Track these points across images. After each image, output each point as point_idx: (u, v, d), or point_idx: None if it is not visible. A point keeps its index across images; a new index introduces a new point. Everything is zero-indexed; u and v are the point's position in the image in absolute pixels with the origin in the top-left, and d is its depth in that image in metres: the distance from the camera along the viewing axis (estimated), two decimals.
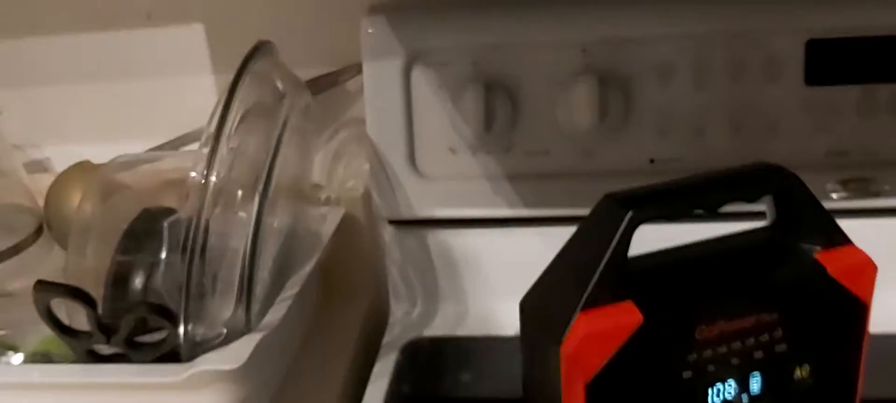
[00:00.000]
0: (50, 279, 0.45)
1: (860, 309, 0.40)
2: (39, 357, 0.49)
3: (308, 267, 0.57)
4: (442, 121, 0.59)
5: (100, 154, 0.62)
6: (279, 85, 0.53)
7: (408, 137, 0.60)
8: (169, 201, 0.54)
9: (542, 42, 0.57)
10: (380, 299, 0.68)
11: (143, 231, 0.51)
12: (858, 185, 0.58)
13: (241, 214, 0.48)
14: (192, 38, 0.66)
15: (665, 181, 0.38)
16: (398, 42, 0.58)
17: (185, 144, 0.65)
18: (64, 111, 0.69)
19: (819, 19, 0.55)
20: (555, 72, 0.58)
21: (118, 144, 0.62)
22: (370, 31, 0.58)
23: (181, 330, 0.45)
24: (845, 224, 0.57)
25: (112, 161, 0.60)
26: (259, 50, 0.51)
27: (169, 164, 0.62)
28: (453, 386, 0.56)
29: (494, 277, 0.63)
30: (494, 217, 0.61)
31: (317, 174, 0.68)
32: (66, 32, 0.66)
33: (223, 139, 0.46)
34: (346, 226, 0.67)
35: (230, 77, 0.51)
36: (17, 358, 0.49)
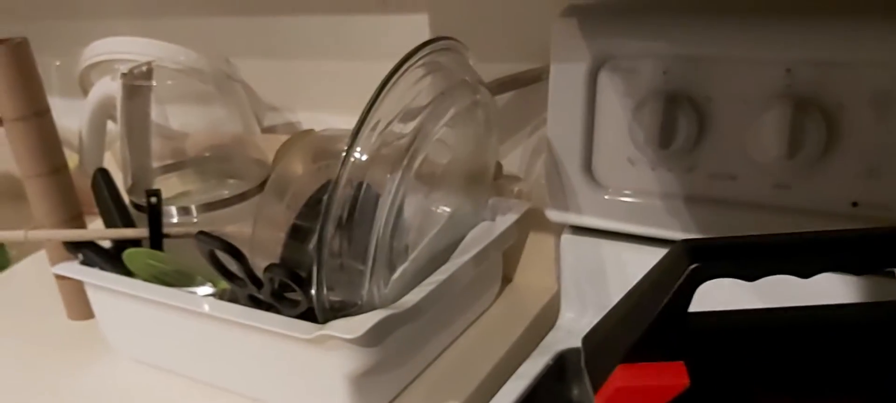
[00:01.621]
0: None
1: None
2: (227, 294, 0.58)
3: (470, 255, 0.60)
4: (623, 130, 0.58)
5: (337, 123, 0.70)
6: (451, 77, 0.56)
7: (587, 143, 0.59)
8: (376, 174, 0.60)
9: (741, 57, 0.53)
10: (558, 300, 0.68)
11: (317, 200, 0.58)
12: None
13: (390, 190, 0.52)
14: (417, 25, 0.72)
15: (759, 235, 0.34)
16: (587, 44, 0.57)
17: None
18: (310, 82, 0.80)
19: None
20: (751, 91, 0.53)
21: (351, 116, 0.70)
22: (560, 31, 0.58)
23: (313, 294, 0.51)
24: None
25: (328, 129, 0.69)
26: (435, 43, 0.55)
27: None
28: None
29: None
30: (669, 238, 0.58)
31: (516, 167, 0.70)
32: (314, 14, 0.76)
33: (370, 118, 0.50)
34: (537, 222, 0.68)
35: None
36: (204, 290, 0.59)
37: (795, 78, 0.51)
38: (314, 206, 0.58)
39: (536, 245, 0.71)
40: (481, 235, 0.63)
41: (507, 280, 0.72)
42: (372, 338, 0.51)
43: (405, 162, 0.53)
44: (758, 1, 0.53)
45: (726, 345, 0.34)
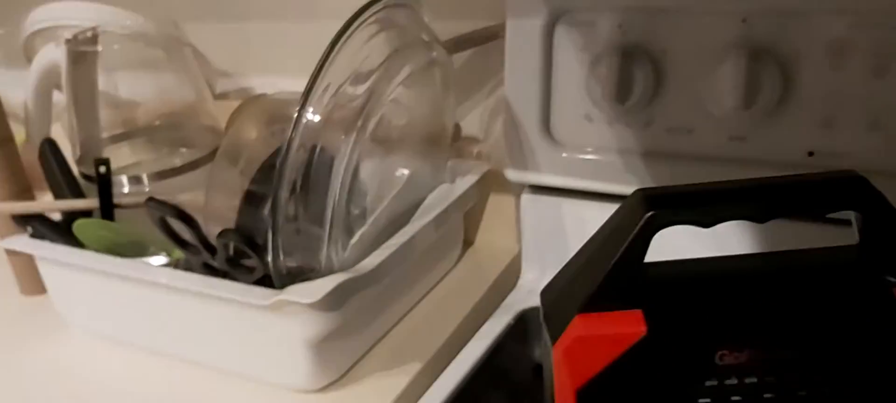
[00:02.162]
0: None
1: None
2: (182, 263, 0.57)
3: (426, 219, 0.60)
4: (580, 86, 0.58)
5: (290, 86, 0.69)
6: (406, 35, 0.55)
7: (544, 101, 0.59)
8: (330, 137, 0.59)
9: (696, 8, 0.53)
10: (519, 261, 0.68)
11: (271, 165, 0.57)
12: None
13: (343, 153, 0.51)
14: None
15: (713, 182, 0.34)
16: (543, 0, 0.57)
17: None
18: (262, 45, 0.78)
19: None
20: (706, 42, 0.53)
21: (305, 79, 0.69)
22: None
23: (269, 260, 0.50)
24: None
25: (281, 93, 0.68)
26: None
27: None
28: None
29: None
30: (629, 193, 0.58)
31: (474, 128, 0.70)
32: None
33: (321, 79, 0.49)
34: (498, 183, 0.68)
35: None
36: (158, 260, 0.58)
37: (751, 28, 0.52)
38: (268, 171, 0.57)
39: (497, 206, 0.70)
40: (441, 198, 0.63)
41: (468, 242, 0.72)
42: (331, 303, 0.50)
43: (359, 123, 0.52)
44: None
45: (684, 293, 0.34)
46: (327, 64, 0.51)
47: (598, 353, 0.33)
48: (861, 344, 0.33)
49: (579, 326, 0.33)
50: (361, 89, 0.53)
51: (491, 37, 0.64)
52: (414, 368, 0.55)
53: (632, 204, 0.34)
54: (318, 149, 0.51)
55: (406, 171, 0.61)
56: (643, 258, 0.33)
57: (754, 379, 0.33)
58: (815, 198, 0.33)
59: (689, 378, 0.34)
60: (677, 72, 0.54)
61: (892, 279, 0.33)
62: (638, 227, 0.33)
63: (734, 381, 0.34)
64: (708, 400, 0.34)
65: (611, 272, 0.33)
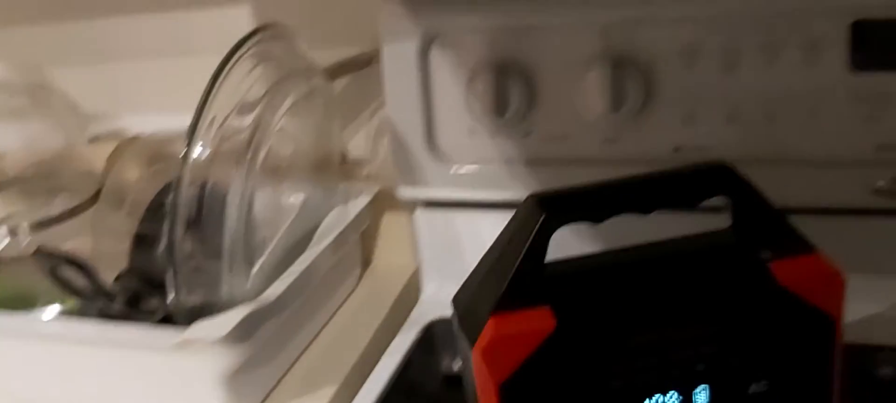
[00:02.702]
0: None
1: (825, 323, 0.37)
2: (77, 312, 0.55)
3: (326, 242, 0.61)
4: (460, 103, 0.60)
5: (165, 124, 0.68)
6: (283, 66, 0.56)
7: (427, 119, 0.61)
8: (219, 171, 0.58)
9: (560, 24, 0.57)
10: (419, 276, 0.70)
11: (160, 203, 0.56)
12: None
13: (236, 185, 0.52)
14: (239, 17, 0.71)
15: (599, 182, 0.37)
16: (414, 23, 0.59)
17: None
18: (134, 85, 0.77)
19: None
20: (573, 54, 0.57)
21: (179, 116, 0.68)
22: (387, 12, 0.60)
23: (171, 297, 0.49)
24: (893, 225, 0.54)
25: (158, 132, 0.67)
26: (262, 31, 0.55)
27: None
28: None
29: None
30: (515, 200, 0.61)
31: (361, 150, 0.71)
32: (129, 14, 0.73)
33: (209, 114, 0.50)
34: (389, 202, 0.70)
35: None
36: (51, 311, 0.56)
37: (610, 39, 0.56)
38: (158, 210, 0.56)
39: (391, 225, 0.72)
40: (336, 221, 0.64)
41: (366, 263, 0.73)
42: (238, 335, 0.50)
43: (249, 155, 0.53)
44: None
45: (585, 286, 0.37)
46: (210, 98, 0.51)
47: (515, 350, 0.36)
48: (745, 316, 0.37)
49: (493, 327, 0.36)
50: (247, 121, 0.54)
51: (367, 62, 0.66)
52: (328, 391, 0.55)
53: (527, 208, 0.37)
54: (208, 184, 0.51)
55: (299, 199, 0.61)
56: (544, 257, 0.36)
57: (656, 359, 0.37)
58: (691, 187, 0.37)
59: (598, 363, 0.36)
60: (549, 83, 0.58)
61: (766, 255, 0.37)
62: (536, 229, 0.35)
63: (644, 362, 0.37)
64: (620, 382, 0.37)
65: (516, 274, 0.36)
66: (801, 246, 0.38)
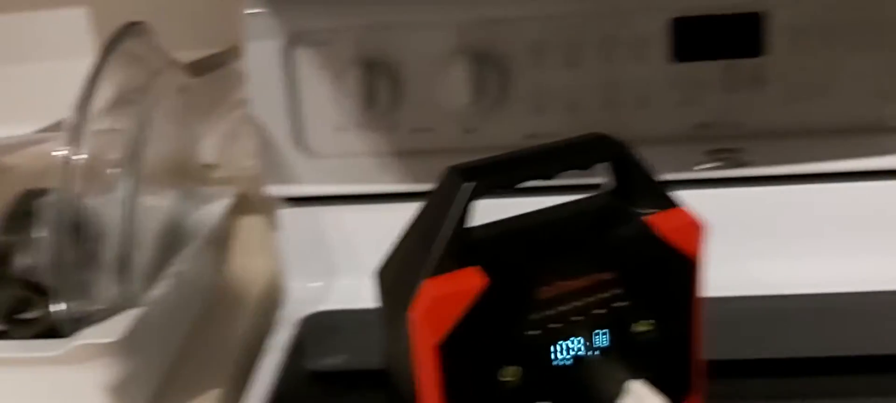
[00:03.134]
0: None
1: (689, 266, 0.44)
2: None
3: (195, 245, 0.60)
4: (328, 100, 0.62)
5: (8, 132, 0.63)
6: (153, 63, 0.55)
7: (294, 117, 0.63)
8: (90, 176, 0.55)
9: (420, 22, 0.61)
10: (279, 276, 0.70)
11: (24, 212, 0.53)
12: (725, 156, 0.63)
13: (116, 192, 0.50)
14: (76, 22, 0.68)
15: (506, 153, 0.42)
16: (279, 23, 0.60)
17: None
18: None
19: None
20: (433, 51, 0.61)
21: (7, 128, 0.63)
22: (250, 12, 0.60)
23: (56, 306, 0.47)
24: (715, 193, 0.63)
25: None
26: (128, 30, 0.53)
27: (55, 146, 0.64)
28: (352, 358, 0.60)
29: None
30: (383, 192, 0.65)
31: (212, 154, 0.70)
32: None
33: (86, 117, 0.48)
34: (243, 205, 0.69)
35: None
36: None
37: (468, 36, 0.61)
38: (21, 219, 0.53)
39: (247, 228, 0.72)
40: (200, 224, 0.63)
41: (227, 265, 0.72)
42: (134, 341, 0.48)
43: (126, 158, 0.51)
44: None
45: (504, 246, 0.41)
46: (88, 101, 0.49)
47: (451, 309, 0.38)
48: (630, 263, 0.43)
49: (430, 289, 0.38)
50: (119, 125, 0.52)
51: (221, 63, 0.66)
52: (213, 394, 0.55)
53: (449, 180, 0.40)
54: (81, 189, 0.49)
55: (166, 202, 0.60)
56: (468, 222, 0.40)
57: (567, 308, 0.41)
58: (582, 153, 0.42)
59: (521, 315, 0.40)
60: (414, 79, 0.62)
61: (641, 209, 0.43)
62: (464, 195, 0.39)
63: (553, 312, 0.41)
64: (536, 331, 0.41)
65: (448, 239, 0.39)
66: (669, 201, 0.44)
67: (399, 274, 0.41)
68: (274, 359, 0.59)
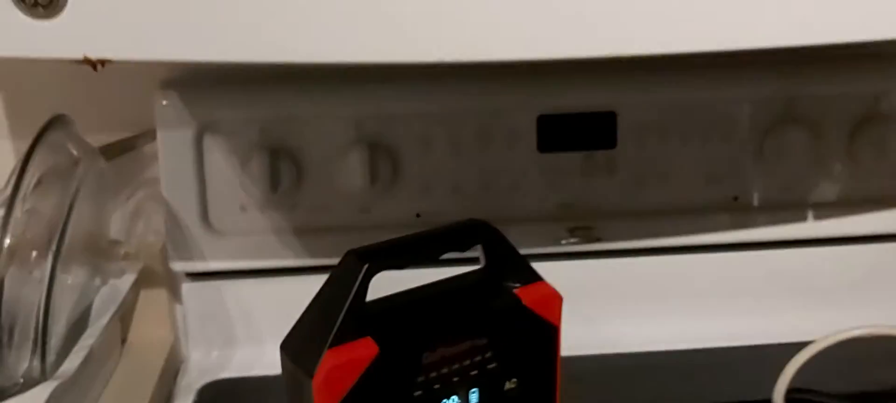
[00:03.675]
0: None
1: (551, 331, 0.52)
2: None
3: (104, 319, 0.63)
4: (233, 182, 0.68)
5: None
6: (74, 152, 0.59)
7: (201, 197, 0.67)
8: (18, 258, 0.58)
9: (320, 115, 0.67)
10: (179, 347, 0.74)
11: None
12: (583, 232, 0.72)
13: (36, 272, 0.54)
14: None
15: (397, 237, 0.49)
16: (190, 114, 0.66)
17: None
18: None
19: (547, 100, 0.69)
20: (332, 141, 0.68)
21: None
22: (164, 103, 0.65)
23: None
24: (575, 264, 0.72)
25: None
26: (54, 122, 0.57)
27: None
28: None
29: (287, 321, 0.71)
30: (283, 267, 0.70)
31: (116, 231, 0.74)
32: None
33: (18, 202, 0.52)
34: (146, 279, 0.73)
35: (27, 143, 0.57)
36: None
37: (364, 128, 0.68)
38: None
39: (148, 300, 0.75)
40: (108, 300, 0.66)
41: (123, 339, 0.75)
42: None
43: (49, 241, 0.55)
44: (330, 70, 0.68)
45: (392, 318, 0.48)
46: (13, 192, 0.53)
47: (348, 374, 0.44)
48: (500, 330, 0.50)
49: (330, 358, 0.44)
50: (40, 205, 0.56)
51: (135, 145, 0.70)
52: None
53: (349, 262, 0.46)
54: (6, 270, 0.53)
55: (78, 279, 0.63)
56: (365, 298, 0.46)
57: (446, 370, 0.48)
58: (460, 238, 0.50)
59: (407, 378, 0.47)
60: (314, 163, 0.68)
61: (510, 284, 0.51)
62: (360, 276, 0.45)
63: (435, 374, 0.48)
64: (420, 392, 0.47)
65: (345, 313, 0.45)
66: (533, 275, 0.52)
67: (302, 344, 0.47)
68: None
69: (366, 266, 0.46)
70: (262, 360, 0.71)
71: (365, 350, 0.45)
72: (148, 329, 0.76)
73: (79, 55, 0.39)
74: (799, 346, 0.62)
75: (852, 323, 0.63)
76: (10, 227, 0.52)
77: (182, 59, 0.40)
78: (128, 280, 0.70)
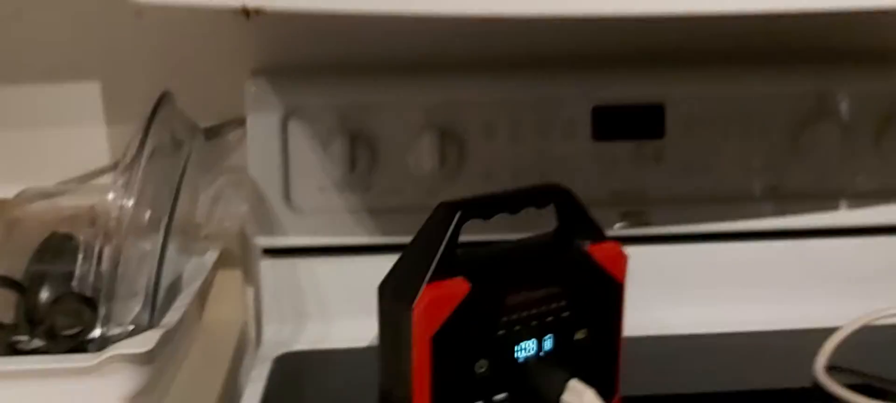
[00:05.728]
0: None
1: (617, 287, 0.55)
2: None
3: (194, 286, 0.66)
4: (313, 164, 0.71)
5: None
6: (181, 129, 0.63)
7: (284, 177, 0.71)
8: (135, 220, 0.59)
9: (395, 103, 0.71)
10: (256, 320, 0.77)
11: (55, 248, 0.59)
12: (634, 217, 0.75)
13: (146, 234, 0.57)
14: (89, 92, 0.75)
15: (482, 193, 0.52)
16: (277, 100, 0.69)
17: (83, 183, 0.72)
18: None
19: (601, 92, 0.72)
20: (404, 127, 0.71)
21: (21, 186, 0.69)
22: (254, 89, 0.69)
23: (99, 324, 0.53)
24: (626, 249, 0.74)
25: (17, 194, 0.67)
26: (165, 98, 0.61)
27: (67, 201, 0.70)
28: (321, 395, 0.67)
29: (358, 297, 0.74)
30: (356, 244, 0.73)
31: (198, 214, 0.77)
32: None
33: (138, 169, 0.55)
34: (223, 260, 0.76)
35: (122, 129, 0.60)
36: None
37: (434, 116, 0.71)
38: (51, 254, 0.58)
39: (220, 284, 0.78)
40: (193, 273, 0.69)
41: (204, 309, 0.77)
42: (157, 353, 0.54)
43: (169, 206, 0.58)
44: (407, 60, 0.72)
45: (481, 265, 0.50)
46: (141, 159, 0.56)
47: (442, 308, 0.47)
48: (573, 283, 0.53)
49: (429, 292, 0.47)
50: (155, 179, 0.59)
51: (226, 131, 0.74)
52: None
53: (441, 211, 0.49)
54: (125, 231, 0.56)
55: (175, 250, 0.66)
56: (457, 243, 0.49)
57: (526, 314, 0.51)
58: (538, 196, 0.53)
59: (493, 317, 0.50)
60: (388, 148, 0.71)
61: (584, 242, 0.54)
62: (455, 221, 0.48)
63: (516, 317, 0.50)
64: (503, 332, 0.50)
65: (442, 253, 0.48)
66: (602, 235, 0.55)
67: (400, 283, 0.49)
68: (256, 390, 0.65)
69: (459, 212, 0.49)
70: (332, 334, 0.74)
71: (458, 287, 0.48)
72: (222, 309, 0.78)
73: (238, 4, 0.42)
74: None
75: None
76: (135, 191, 0.55)
77: (329, 11, 0.43)
78: (211, 257, 0.72)
